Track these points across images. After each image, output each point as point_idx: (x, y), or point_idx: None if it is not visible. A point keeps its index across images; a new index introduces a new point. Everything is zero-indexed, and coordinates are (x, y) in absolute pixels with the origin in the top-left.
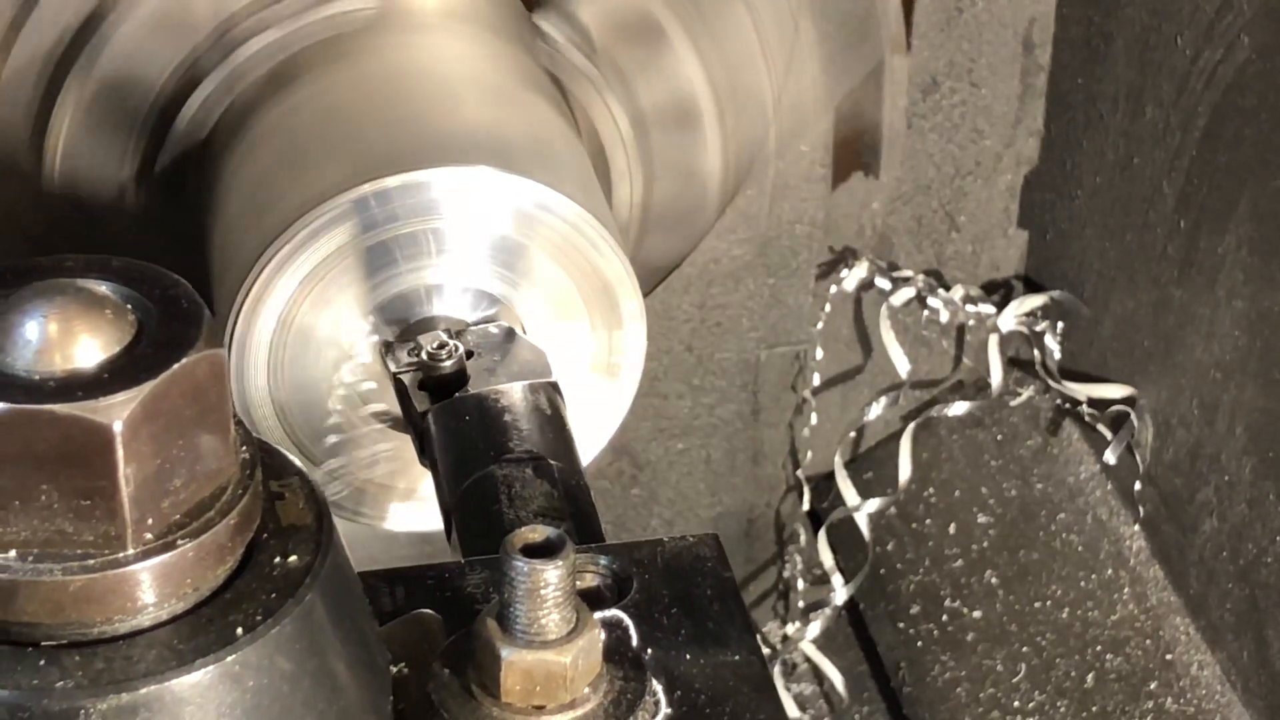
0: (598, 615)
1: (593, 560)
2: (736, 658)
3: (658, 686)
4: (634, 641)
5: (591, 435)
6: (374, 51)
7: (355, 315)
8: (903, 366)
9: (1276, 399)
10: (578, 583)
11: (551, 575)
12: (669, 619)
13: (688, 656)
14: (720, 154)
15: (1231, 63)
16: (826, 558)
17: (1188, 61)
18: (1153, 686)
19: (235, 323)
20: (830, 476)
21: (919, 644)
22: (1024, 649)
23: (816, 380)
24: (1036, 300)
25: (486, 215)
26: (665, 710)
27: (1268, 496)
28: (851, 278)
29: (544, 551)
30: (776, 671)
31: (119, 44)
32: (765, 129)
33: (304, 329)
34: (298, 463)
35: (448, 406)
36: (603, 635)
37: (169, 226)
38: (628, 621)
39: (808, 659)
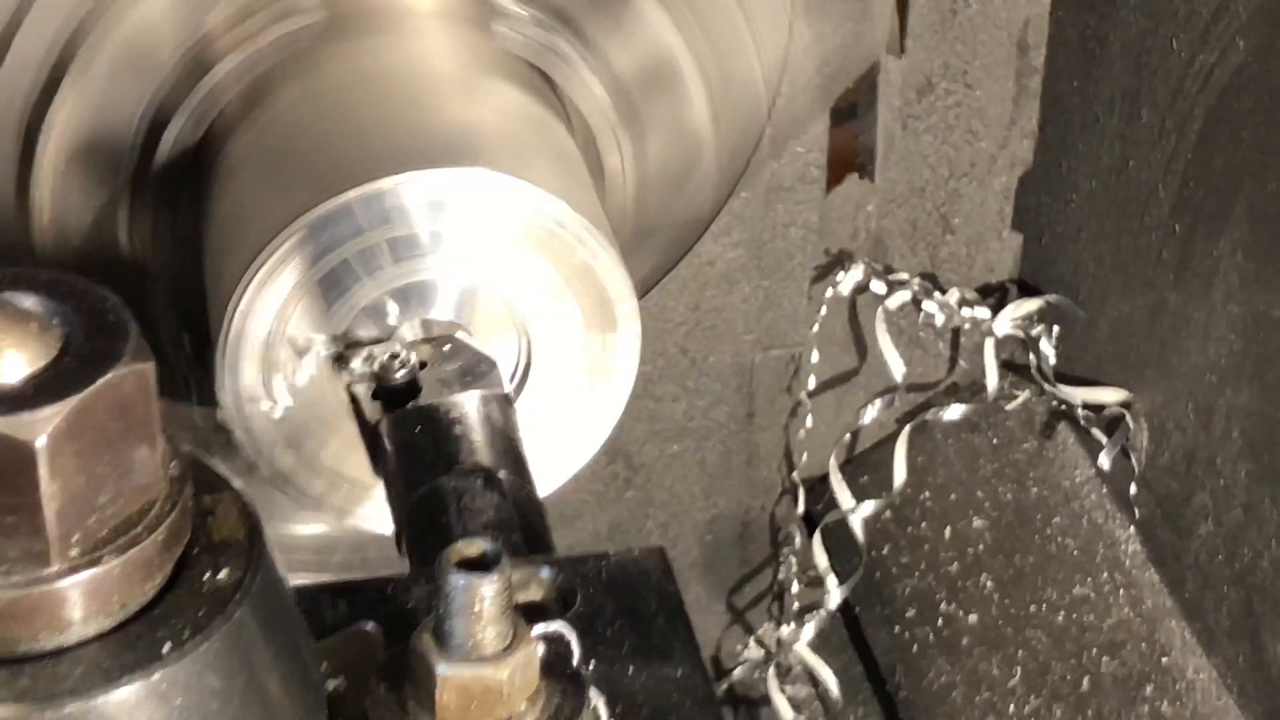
0: (539, 629)
1: (536, 573)
2: (680, 672)
3: (599, 701)
4: (575, 656)
5: (585, 438)
6: (336, 60)
7: (342, 316)
8: (898, 369)
9: (1272, 403)
10: (521, 595)
11: (488, 590)
12: (613, 632)
13: (631, 670)
14: (707, 105)
15: (1227, 66)
16: (821, 560)
17: (1183, 64)
18: (1148, 690)
19: (228, 332)
20: (825, 479)
21: (914, 648)
22: (1019, 653)
23: (812, 383)
24: (1032, 304)
25: (471, 218)
26: None
27: (1263, 501)
28: (847, 281)
29: (480, 565)
30: (771, 674)
31: (86, 93)
32: (755, 87)
33: (294, 330)
34: (230, 478)
35: (399, 417)
36: (541, 650)
37: (165, 262)
38: (570, 635)
39: (803, 661)
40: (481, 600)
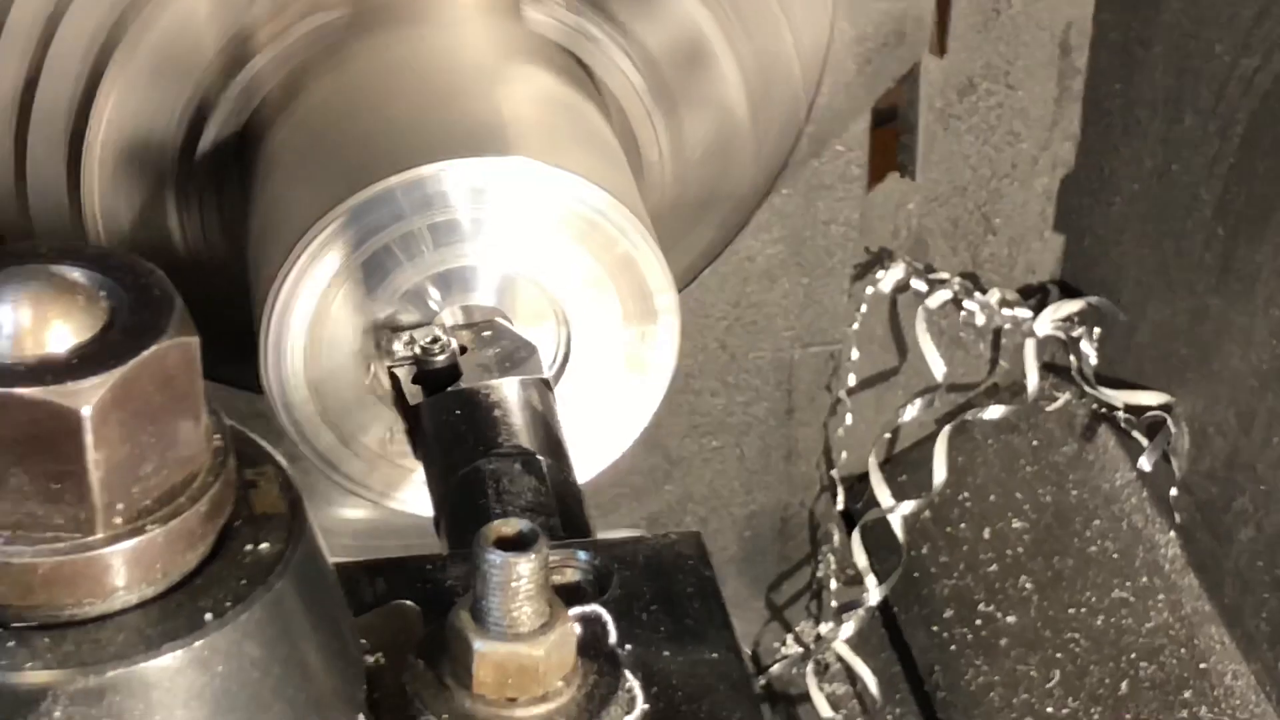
0: (576, 611)
1: (574, 556)
2: (715, 655)
3: (634, 682)
4: (611, 637)
5: (623, 429)
6: (371, 51)
7: (384, 301)
8: (938, 369)
9: None
10: (558, 578)
11: (524, 568)
12: (648, 615)
13: (666, 653)
14: (741, 81)
15: (1270, 70)
16: (860, 558)
17: (1226, 68)
18: (1186, 695)
19: (275, 301)
20: (864, 477)
21: (952, 648)
22: (1058, 655)
23: (851, 381)
24: (1073, 305)
25: (512, 206)
26: (641, 706)
27: None
28: (888, 279)
29: (517, 545)
30: (809, 670)
31: (127, 90)
32: (789, 64)
33: (337, 313)
34: (273, 452)
35: (439, 401)
36: (577, 630)
37: (215, 251)
38: (606, 617)
39: (841, 659)
40: (518, 578)
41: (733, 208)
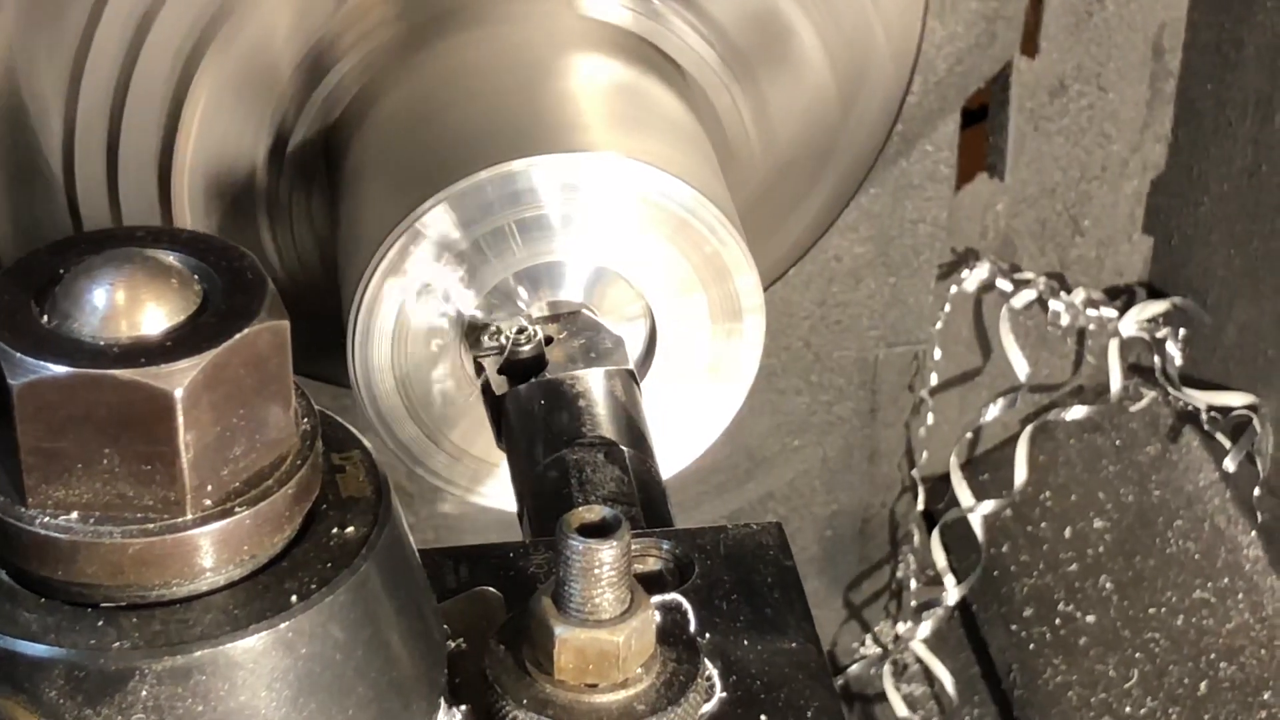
0: (657, 599)
1: (656, 545)
2: (794, 645)
3: (713, 670)
4: (691, 625)
5: (705, 427)
6: (440, 57)
7: (472, 296)
8: (1022, 369)
9: None
10: (640, 566)
11: (606, 555)
12: (728, 605)
13: (745, 642)
14: (820, 46)
15: None
16: (940, 558)
17: None
18: (1266, 696)
19: (363, 294)
20: (946, 478)
21: (1031, 647)
22: (1137, 655)
23: (934, 380)
24: (1158, 306)
25: (613, 201)
26: (720, 694)
27: None
28: (972, 278)
29: (600, 531)
30: (887, 671)
31: (208, 118)
32: (881, 56)
33: (425, 307)
34: (360, 437)
35: (524, 391)
36: (658, 617)
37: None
38: (686, 606)
39: (919, 659)
40: (600, 564)
41: (847, 166)
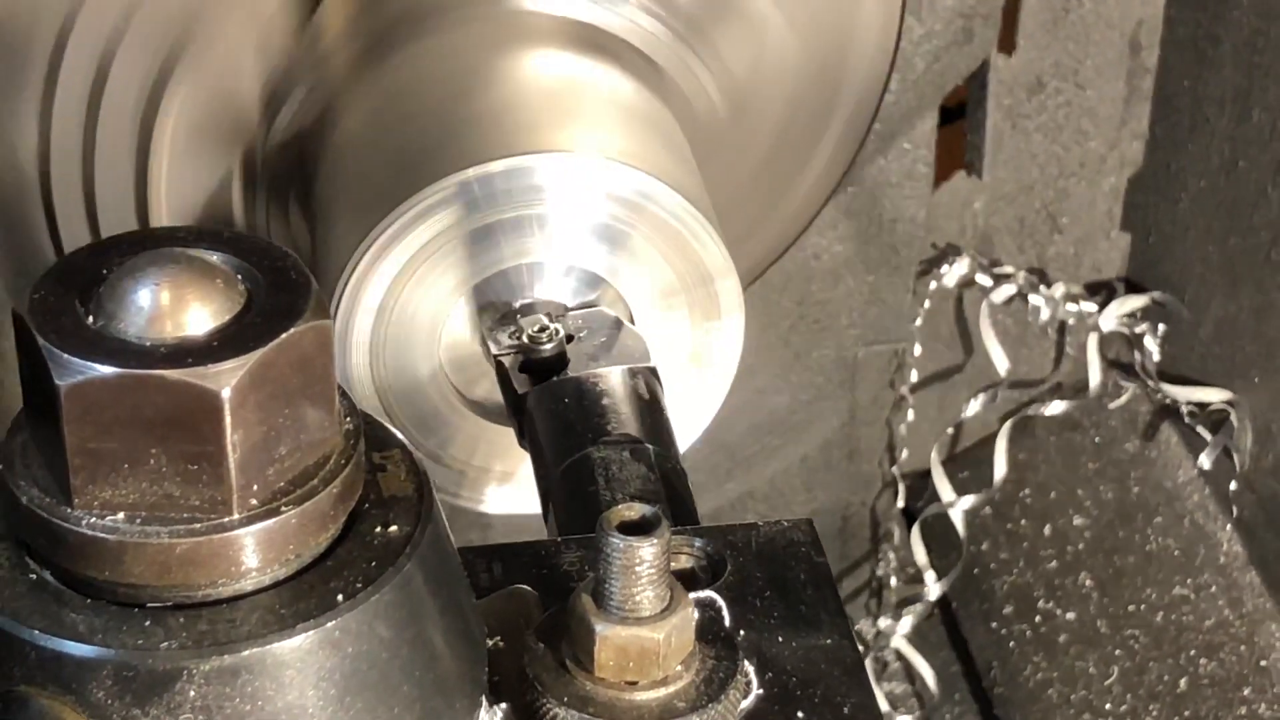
0: (692, 596)
1: (688, 542)
2: (828, 641)
3: (749, 667)
4: (726, 622)
5: (685, 426)
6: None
7: (456, 300)
8: (1002, 365)
9: None
10: (672, 564)
11: (647, 552)
12: (762, 602)
13: (780, 639)
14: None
15: None
16: (920, 555)
17: None
18: (1246, 692)
19: (338, 305)
20: (926, 474)
21: (1011, 644)
22: (1117, 652)
23: (915, 377)
24: (1137, 301)
25: (588, 201)
26: (756, 691)
27: None
28: (952, 274)
29: (640, 529)
30: (868, 667)
31: (205, 72)
32: (857, 46)
33: (405, 313)
34: (400, 436)
35: (547, 389)
36: (696, 614)
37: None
38: (721, 602)
39: (900, 656)
40: (640, 562)
41: (851, 116)
